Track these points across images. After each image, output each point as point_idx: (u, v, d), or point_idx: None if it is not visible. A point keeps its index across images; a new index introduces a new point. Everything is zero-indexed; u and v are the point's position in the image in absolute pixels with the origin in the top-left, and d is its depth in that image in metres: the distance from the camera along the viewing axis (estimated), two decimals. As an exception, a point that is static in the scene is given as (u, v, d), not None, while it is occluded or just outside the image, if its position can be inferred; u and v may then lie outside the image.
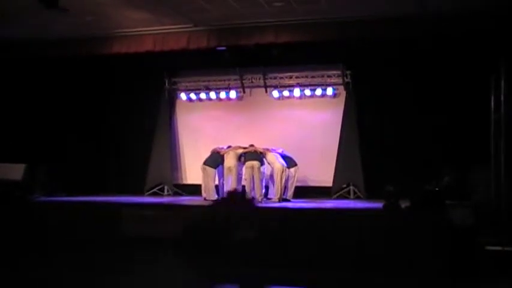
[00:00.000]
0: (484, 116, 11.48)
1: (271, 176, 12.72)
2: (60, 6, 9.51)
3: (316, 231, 9.71)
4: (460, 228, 9.19)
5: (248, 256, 9.74)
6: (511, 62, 10.47)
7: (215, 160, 12.66)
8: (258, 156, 12.44)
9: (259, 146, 12.93)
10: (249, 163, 12.30)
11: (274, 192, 12.40)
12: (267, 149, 12.63)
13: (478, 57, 11.61)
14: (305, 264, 9.36)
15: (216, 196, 12.47)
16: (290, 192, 12.60)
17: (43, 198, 12.49)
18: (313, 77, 14.19)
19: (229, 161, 12.44)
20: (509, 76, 10.54)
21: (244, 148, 12.74)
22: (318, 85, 14.14)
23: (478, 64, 11.72)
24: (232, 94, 14.75)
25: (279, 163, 12.26)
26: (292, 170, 12.55)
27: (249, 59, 13.92)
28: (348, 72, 13.78)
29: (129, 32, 12.13)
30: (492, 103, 11.32)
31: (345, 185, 13.68)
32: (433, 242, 8.96)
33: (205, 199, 12.42)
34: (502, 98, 10.75)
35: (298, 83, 14.32)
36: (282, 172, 12.15)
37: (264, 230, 9.92)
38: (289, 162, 12.55)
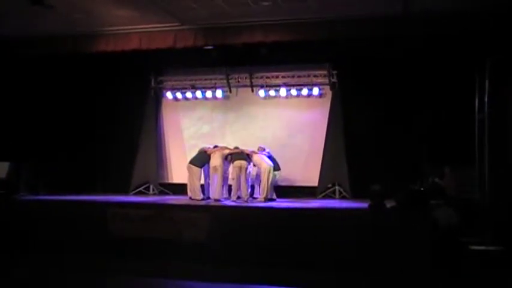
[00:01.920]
0: (469, 116, 11.60)
1: (257, 176, 12.74)
2: (46, 3, 9.43)
3: (301, 231, 9.76)
4: (445, 228, 9.27)
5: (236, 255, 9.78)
6: (495, 63, 10.58)
7: (201, 159, 12.63)
8: (245, 156, 12.45)
9: (245, 145, 13.00)
10: (237, 162, 12.29)
11: (260, 192, 12.42)
12: (254, 151, 12.66)
13: (463, 58, 11.72)
14: (292, 265, 9.41)
15: (202, 195, 12.45)
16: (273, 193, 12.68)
17: (27, 197, 12.39)
18: (299, 76, 14.22)
19: (215, 160, 12.42)
20: (493, 76, 10.65)
21: (230, 150, 12.74)
22: (304, 85, 14.18)
23: (463, 64, 11.82)
24: (219, 93, 14.74)
25: (266, 163, 12.27)
26: (275, 173, 12.63)
27: (235, 58, 13.93)
28: (334, 72, 13.83)
29: (115, 30, 12.06)
30: (476, 103, 11.44)
31: (330, 185, 13.73)
32: (418, 241, 9.03)
33: (190, 198, 12.39)
34: (486, 98, 10.86)
35: (284, 83, 14.34)
36: (269, 172, 12.17)
37: (248, 230, 9.98)
38: (275, 165, 12.59)
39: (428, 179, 11.54)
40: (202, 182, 12.75)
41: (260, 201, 12.14)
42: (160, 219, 10.53)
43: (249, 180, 12.67)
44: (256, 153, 12.61)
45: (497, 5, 9.65)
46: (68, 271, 9.25)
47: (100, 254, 10.19)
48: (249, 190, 12.51)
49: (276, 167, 12.62)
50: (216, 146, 12.94)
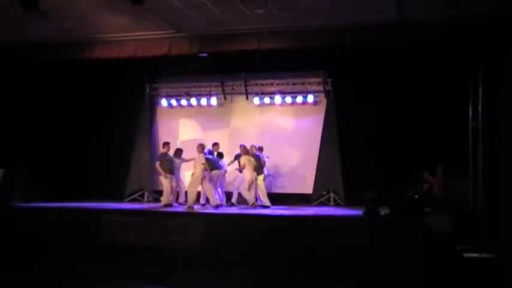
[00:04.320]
0: (463, 124, 11.66)
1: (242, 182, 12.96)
2: (40, 10, 9.42)
3: (295, 238, 9.77)
4: (439, 235, 9.29)
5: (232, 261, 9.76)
6: (489, 72, 10.64)
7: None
8: (217, 165, 12.86)
9: (238, 151, 13.12)
10: (215, 171, 12.64)
11: (251, 199, 12.53)
12: (246, 151, 12.76)
13: (456, 66, 11.78)
14: (286, 271, 9.41)
15: (175, 203, 12.75)
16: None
17: (21, 204, 12.34)
18: (294, 84, 14.26)
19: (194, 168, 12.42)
20: (486, 85, 10.71)
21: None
22: (299, 92, 14.21)
23: (456, 73, 11.90)
24: (213, 101, 14.74)
25: (250, 173, 12.42)
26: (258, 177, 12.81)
27: (230, 66, 13.94)
28: (329, 79, 13.86)
29: (110, 37, 12.04)
30: (470, 111, 11.50)
31: (325, 192, 13.74)
32: (412, 248, 9.05)
33: (165, 205, 12.52)
34: (480, 107, 10.92)
35: (279, 90, 14.37)
36: (252, 182, 12.43)
37: (243, 237, 9.98)
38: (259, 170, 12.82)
39: (422, 186, 11.57)
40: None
41: (251, 207, 12.26)
42: (154, 227, 10.53)
43: (221, 185, 13.06)
44: (248, 154, 12.64)
45: (490, 14, 9.70)
46: (62, 277, 9.23)
47: (94, 261, 10.17)
48: (217, 197, 12.60)
49: (260, 171, 12.72)
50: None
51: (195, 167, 12.26)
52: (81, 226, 10.92)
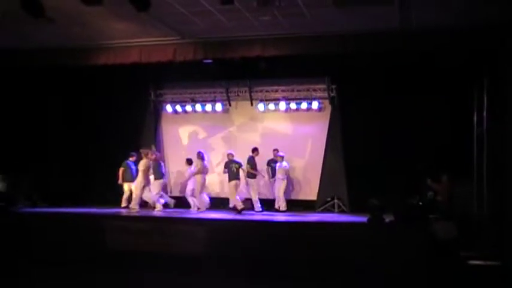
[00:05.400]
0: (468, 131, 11.63)
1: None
2: (47, 16, 9.47)
3: (299, 245, 9.76)
4: (443, 242, 9.26)
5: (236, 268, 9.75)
6: (493, 79, 10.63)
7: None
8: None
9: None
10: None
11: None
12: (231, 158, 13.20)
13: (461, 73, 11.77)
14: (289, 277, 9.39)
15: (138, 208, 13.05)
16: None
17: (26, 209, 12.38)
18: (298, 90, 14.26)
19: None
20: (491, 92, 10.69)
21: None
22: (304, 99, 14.22)
23: (461, 80, 11.88)
24: (218, 107, 14.76)
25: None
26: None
27: (235, 72, 13.97)
28: (333, 86, 13.86)
29: (115, 43, 12.11)
30: (475, 118, 11.47)
31: (329, 199, 13.71)
32: (416, 255, 9.02)
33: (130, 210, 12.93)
34: (485, 113, 10.90)
35: (283, 97, 14.38)
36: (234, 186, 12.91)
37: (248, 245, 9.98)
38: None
39: (426, 193, 11.54)
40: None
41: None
42: (158, 232, 10.54)
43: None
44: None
45: (494, 21, 9.71)
46: (65, 283, 9.23)
47: (97, 266, 10.16)
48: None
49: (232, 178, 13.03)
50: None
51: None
52: (85, 231, 10.92)
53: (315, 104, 14.16)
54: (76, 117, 14.88)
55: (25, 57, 12.55)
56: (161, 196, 13.49)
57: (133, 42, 11.99)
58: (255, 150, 13.47)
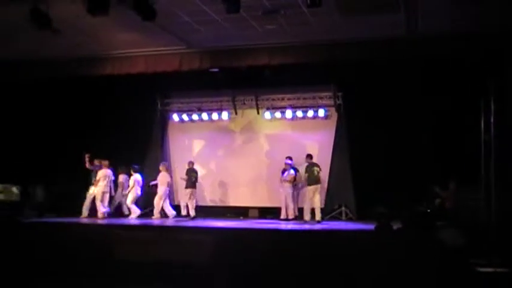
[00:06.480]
0: (475, 137, 11.56)
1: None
2: (53, 27, 9.53)
3: (306, 253, 9.70)
4: (451, 249, 9.19)
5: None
6: (500, 84, 10.58)
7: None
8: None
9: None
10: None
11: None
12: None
13: (467, 79, 11.73)
14: (297, 285, 9.34)
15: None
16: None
17: (32, 219, 12.40)
18: (305, 98, 14.29)
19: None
20: (498, 98, 10.64)
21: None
22: (310, 106, 14.24)
23: (468, 86, 11.83)
24: (225, 115, 14.79)
25: None
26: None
27: (241, 81, 14.00)
28: (339, 93, 13.87)
29: (121, 53, 12.16)
30: (482, 124, 11.40)
31: (336, 206, 13.69)
32: (424, 263, 8.96)
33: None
34: (492, 119, 10.84)
35: (290, 105, 14.40)
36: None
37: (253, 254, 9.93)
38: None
39: (434, 200, 11.48)
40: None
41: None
42: (165, 242, 10.51)
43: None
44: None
45: (499, 28, 9.69)
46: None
47: (104, 277, 10.14)
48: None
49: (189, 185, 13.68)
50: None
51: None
52: (92, 241, 10.91)
53: (321, 112, 14.18)
54: (83, 127, 14.91)
55: (31, 69, 12.62)
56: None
57: (139, 51, 12.05)
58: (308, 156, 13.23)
